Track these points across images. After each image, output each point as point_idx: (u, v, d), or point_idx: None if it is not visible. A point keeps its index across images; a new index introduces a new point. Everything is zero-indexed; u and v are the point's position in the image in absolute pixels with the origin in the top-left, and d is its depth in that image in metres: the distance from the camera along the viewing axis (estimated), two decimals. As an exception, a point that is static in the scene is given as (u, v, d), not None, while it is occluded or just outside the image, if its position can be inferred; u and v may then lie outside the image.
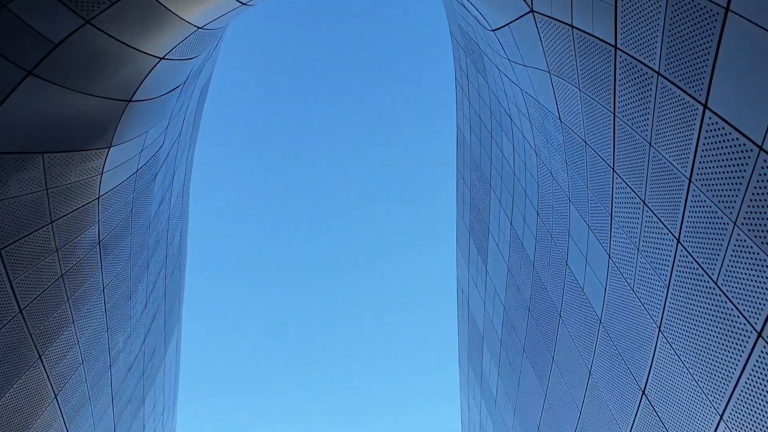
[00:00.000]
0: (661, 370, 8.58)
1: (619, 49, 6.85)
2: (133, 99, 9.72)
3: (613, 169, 8.61)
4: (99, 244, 11.69)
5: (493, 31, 9.98)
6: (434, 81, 76.67)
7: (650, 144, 7.15)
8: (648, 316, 8.77)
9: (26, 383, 11.19)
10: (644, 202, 7.93)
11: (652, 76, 6.48)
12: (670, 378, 8.31)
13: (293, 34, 73.66)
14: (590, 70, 7.70)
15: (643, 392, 9.45)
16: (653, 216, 7.75)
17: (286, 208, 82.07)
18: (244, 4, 9.39)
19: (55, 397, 12.27)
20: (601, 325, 11.58)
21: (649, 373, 9.05)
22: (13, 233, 9.36)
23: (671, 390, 8.34)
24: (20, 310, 10.23)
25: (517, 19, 8.37)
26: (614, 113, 7.71)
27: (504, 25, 9.05)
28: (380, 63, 77.53)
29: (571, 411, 13.67)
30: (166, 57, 9.54)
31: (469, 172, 20.41)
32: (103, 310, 13.24)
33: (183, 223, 20.10)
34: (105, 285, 12.80)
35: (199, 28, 9.40)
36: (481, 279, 21.68)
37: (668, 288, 7.70)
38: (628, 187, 8.27)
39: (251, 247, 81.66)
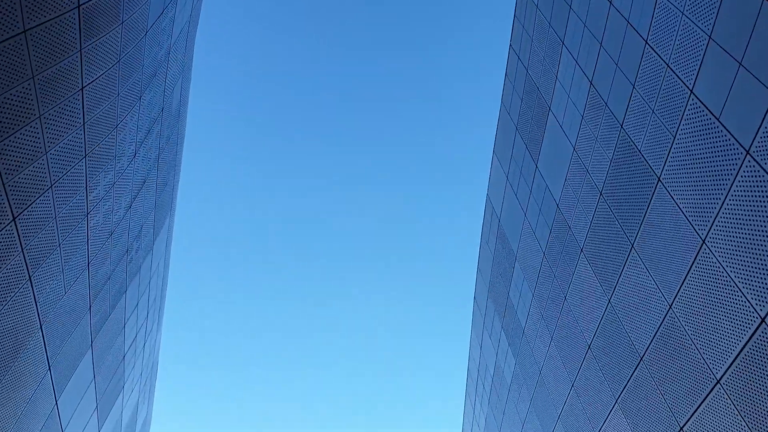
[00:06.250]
0: None
1: None
2: None
3: None
4: (78, 7, 8.63)
5: None
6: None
7: None
8: None
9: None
10: None
11: None
12: None
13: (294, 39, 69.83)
14: None
15: None
16: None
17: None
18: None
19: (13, 219, 9.34)
20: (748, 158, 8.78)
21: None
22: None
23: None
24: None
25: None
26: None
27: None
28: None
29: (661, 307, 10.92)
30: None
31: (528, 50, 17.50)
32: (81, 120, 10.23)
33: (184, 82, 16.98)
34: (84, 84, 9.77)
35: None
36: (526, 182, 18.86)
37: None
38: None
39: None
